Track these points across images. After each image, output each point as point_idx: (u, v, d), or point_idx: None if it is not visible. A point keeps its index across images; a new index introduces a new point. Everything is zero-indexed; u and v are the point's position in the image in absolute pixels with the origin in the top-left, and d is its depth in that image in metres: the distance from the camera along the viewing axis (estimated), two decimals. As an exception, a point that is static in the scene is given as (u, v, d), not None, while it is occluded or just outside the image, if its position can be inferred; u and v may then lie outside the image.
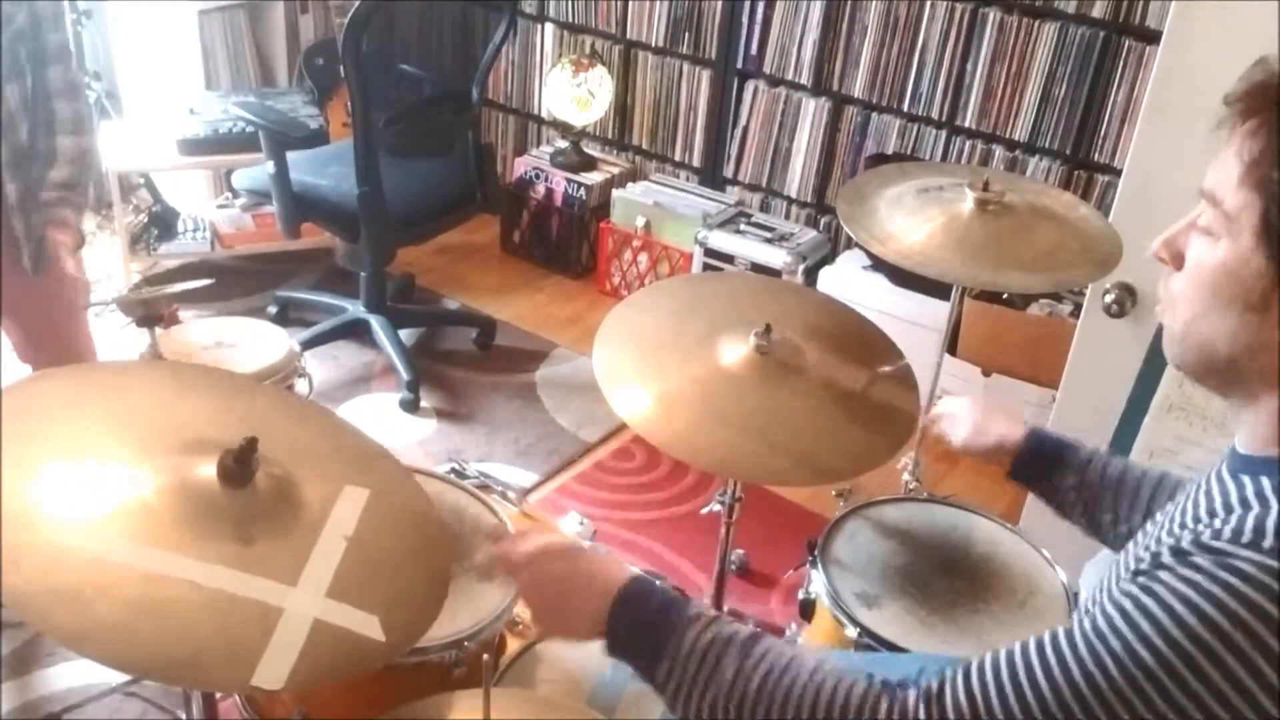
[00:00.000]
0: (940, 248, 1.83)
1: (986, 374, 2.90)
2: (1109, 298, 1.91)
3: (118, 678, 1.93)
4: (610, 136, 3.78)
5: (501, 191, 3.69)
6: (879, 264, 3.03)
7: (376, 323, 3.07)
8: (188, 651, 0.94)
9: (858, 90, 3.22)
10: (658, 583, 1.05)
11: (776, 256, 3.21)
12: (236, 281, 3.43)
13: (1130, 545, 0.99)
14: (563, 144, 3.71)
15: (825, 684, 0.93)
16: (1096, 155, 2.92)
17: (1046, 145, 2.98)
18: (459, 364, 3.19)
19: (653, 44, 3.56)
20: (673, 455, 1.56)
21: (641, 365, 1.56)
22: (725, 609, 2.08)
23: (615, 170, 3.69)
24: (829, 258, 3.30)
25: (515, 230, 3.78)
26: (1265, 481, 0.86)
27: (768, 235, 3.30)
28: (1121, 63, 2.81)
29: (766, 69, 3.36)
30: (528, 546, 1.11)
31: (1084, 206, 2.00)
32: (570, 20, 3.70)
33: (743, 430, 1.48)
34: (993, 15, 2.95)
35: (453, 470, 2.60)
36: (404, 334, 3.15)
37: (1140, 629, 0.81)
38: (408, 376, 2.94)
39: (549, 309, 3.53)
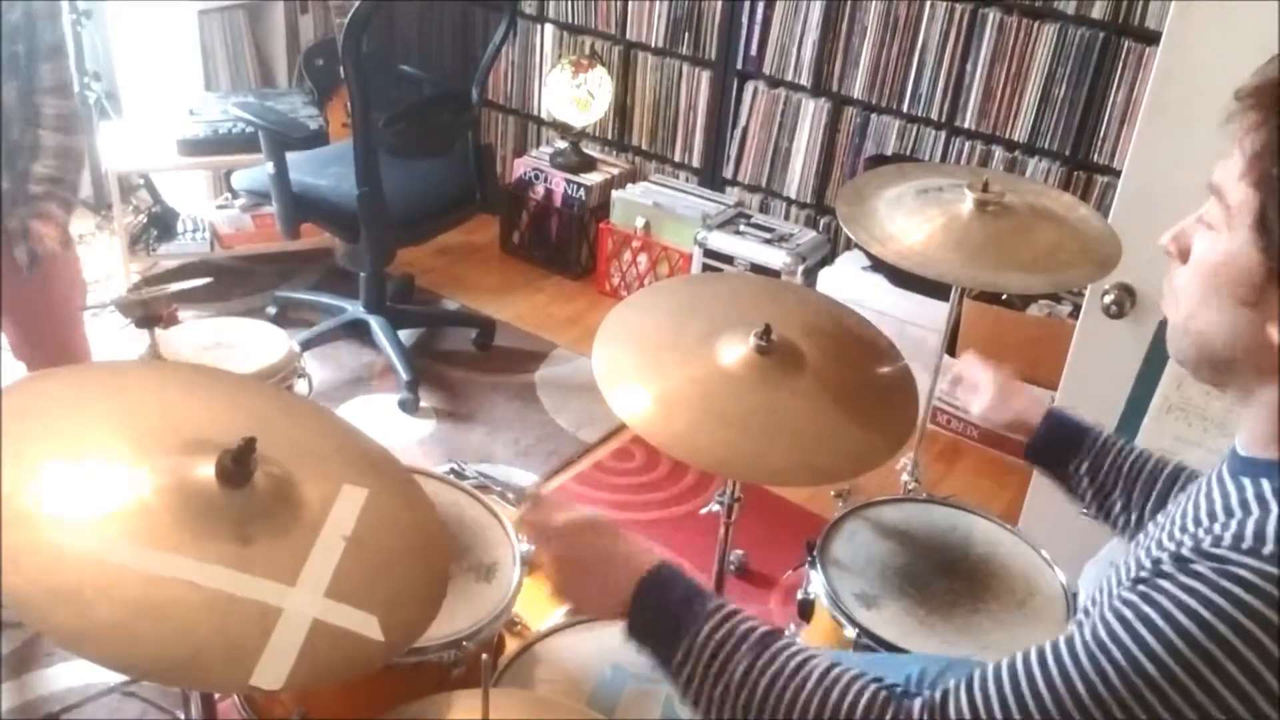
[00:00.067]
0: (940, 248, 1.83)
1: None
2: (1108, 298, 1.91)
3: (116, 678, 1.93)
4: (610, 137, 3.78)
5: (501, 192, 3.69)
6: (878, 265, 3.03)
7: (376, 323, 3.07)
8: (187, 652, 0.94)
9: (857, 91, 3.22)
10: (684, 572, 1.04)
11: (776, 257, 3.21)
12: (236, 282, 3.43)
13: (1132, 546, 0.99)
14: (562, 144, 3.71)
15: (834, 688, 0.93)
16: (1096, 156, 2.92)
17: (1046, 146, 2.98)
18: (458, 364, 3.19)
19: (652, 44, 3.56)
20: (672, 455, 1.56)
21: (641, 365, 1.56)
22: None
23: (615, 171, 3.69)
24: (828, 258, 3.30)
25: (515, 231, 3.78)
26: (1265, 484, 0.86)
27: (767, 236, 3.30)
28: (1121, 63, 2.82)
29: (766, 70, 3.36)
30: (563, 517, 1.10)
31: (1083, 207, 2.00)
32: (570, 21, 3.70)
33: (742, 430, 1.48)
34: (992, 16, 2.95)
35: (452, 471, 2.60)
36: (403, 334, 3.15)
37: (1142, 637, 0.81)
38: (407, 377, 2.94)
39: (549, 309, 3.53)
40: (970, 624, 1.57)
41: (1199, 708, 0.79)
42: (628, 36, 3.60)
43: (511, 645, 1.60)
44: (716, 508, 1.94)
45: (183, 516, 1.03)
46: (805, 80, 3.30)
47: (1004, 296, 2.85)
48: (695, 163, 3.63)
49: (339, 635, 1.02)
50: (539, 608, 2.06)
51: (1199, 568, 0.81)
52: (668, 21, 3.50)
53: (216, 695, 1.42)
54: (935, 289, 2.80)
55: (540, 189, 3.68)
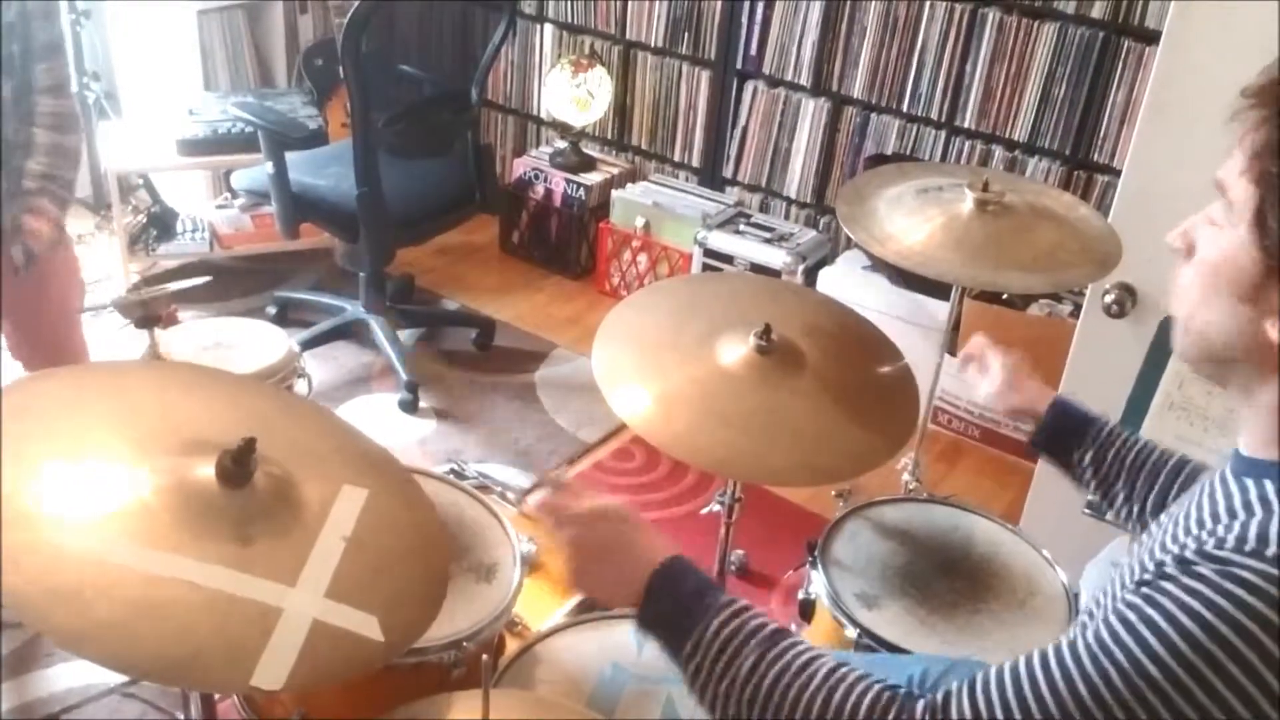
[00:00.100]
0: (940, 248, 1.83)
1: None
2: (1109, 298, 1.91)
3: (116, 678, 1.93)
4: (609, 137, 3.78)
5: (501, 192, 3.69)
6: (879, 264, 3.02)
7: (375, 323, 3.07)
8: (187, 652, 0.94)
9: (857, 91, 3.22)
10: (698, 566, 1.05)
11: (776, 257, 3.21)
12: (235, 282, 3.43)
13: (1135, 548, 0.99)
14: (562, 144, 3.70)
15: (838, 687, 0.93)
16: (1096, 155, 2.92)
17: (1046, 145, 2.98)
18: (458, 364, 3.19)
19: (652, 44, 3.56)
20: (672, 455, 1.56)
21: (641, 365, 1.56)
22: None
23: (614, 171, 3.68)
24: (829, 258, 3.30)
25: (514, 231, 3.77)
26: (1268, 485, 0.86)
27: (767, 235, 3.30)
28: (1121, 63, 2.81)
29: (766, 69, 3.36)
30: (583, 503, 1.10)
31: (1084, 207, 2.00)
32: (569, 21, 3.70)
33: (742, 430, 1.48)
34: (992, 15, 2.95)
35: (452, 471, 2.59)
36: (403, 334, 3.15)
37: (1144, 639, 0.81)
38: (407, 377, 2.94)
39: (548, 309, 3.53)
40: (971, 624, 1.57)
41: (1200, 709, 0.79)
42: (627, 36, 3.60)
43: (512, 646, 1.59)
44: (717, 508, 1.94)
45: (183, 517, 1.03)
46: (805, 80, 3.29)
47: (1004, 296, 2.85)
48: (695, 162, 3.63)
49: (339, 635, 1.02)
50: (539, 608, 2.06)
51: (1201, 569, 0.81)
52: (667, 21, 3.49)
53: (216, 696, 1.41)
54: (935, 289, 2.80)
55: (540, 189, 3.68)
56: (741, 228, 3.34)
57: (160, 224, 3.42)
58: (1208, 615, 0.79)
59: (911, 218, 1.89)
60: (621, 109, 3.70)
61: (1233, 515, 0.86)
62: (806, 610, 1.65)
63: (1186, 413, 1.81)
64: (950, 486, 2.80)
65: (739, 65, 3.41)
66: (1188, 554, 0.83)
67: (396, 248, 3.07)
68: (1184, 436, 1.83)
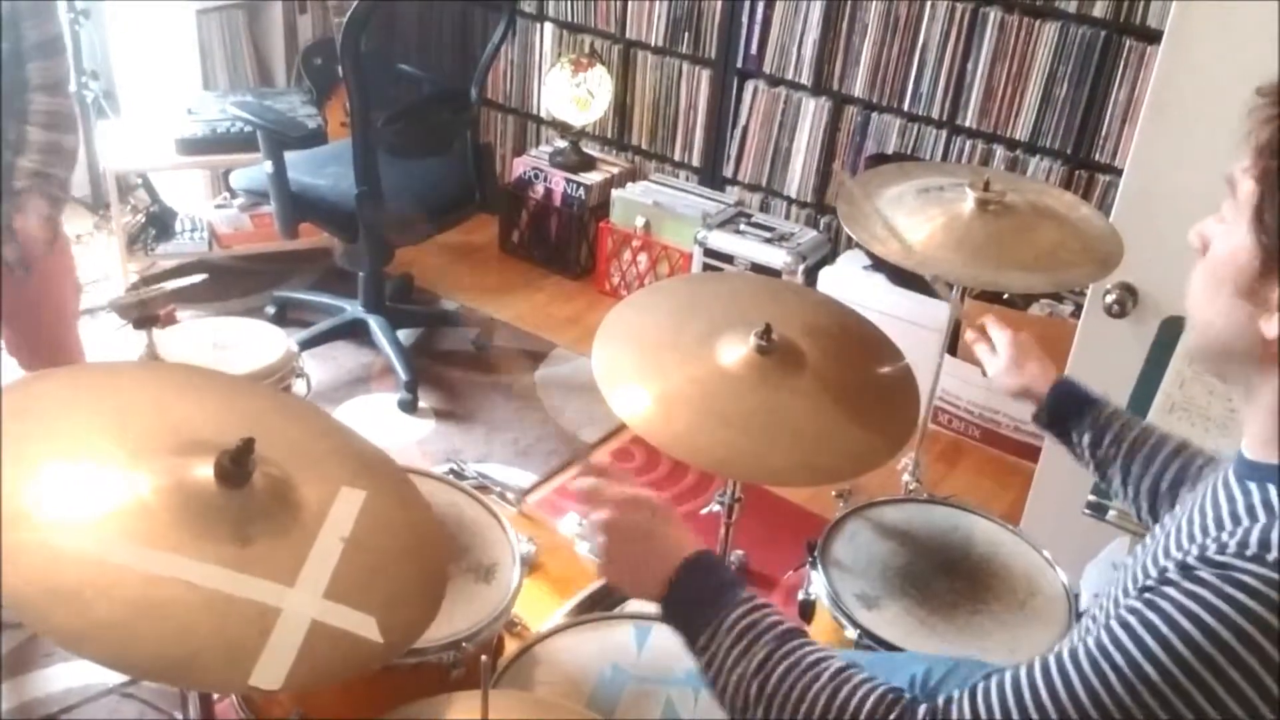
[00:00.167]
0: (941, 248, 1.82)
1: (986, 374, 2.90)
2: (1110, 298, 1.90)
3: (114, 679, 1.92)
4: (609, 136, 3.78)
5: (500, 191, 3.69)
6: (879, 264, 3.02)
7: (375, 323, 3.07)
8: (186, 652, 0.95)
9: (858, 90, 3.22)
10: (724, 563, 1.07)
11: (776, 256, 3.20)
12: (234, 282, 3.42)
13: (1138, 551, 0.99)
14: (562, 144, 3.70)
15: (843, 686, 0.94)
16: (1097, 155, 2.91)
17: (1047, 145, 2.98)
18: (458, 364, 3.19)
19: (652, 43, 3.56)
20: (672, 455, 1.56)
21: (641, 365, 1.56)
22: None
23: (614, 170, 3.68)
24: (829, 258, 3.30)
25: (514, 230, 3.77)
26: (1271, 489, 0.87)
27: (767, 235, 3.30)
28: (1122, 62, 2.81)
29: (766, 69, 3.35)
30: (620, 489, 1.12)
31: (1085, 206, 1.99)
32: (569, 20, 3.69)
33: (742, 430, 1.47)
34: (993, 15, 2.94)
35: (451, 471, 2.59)
36: (402, 334, 3.14)
37: (1144, 642, 0.81)
38: (406, 377, 2.94)
39: (548, 309, 3.52)
40: (971, 624, 1.57)
41: (1200, 712, 0.79)
42: (627, 35, 3.59)
43: (511, 646, 1.59)
44: (717, 508, 1.94)
45: (182, 517, 1.03)
46: (806, 79, 3.29)
47: (1005, 296, 2.84)
48: (695, 162, 3.62)
49: (337, 636, 1.02)
50: (538, 609, 2.06)
51: (1203, 574, 0.81)
52: (668, 20, 3.49)
53: (215, 696, 1.41)
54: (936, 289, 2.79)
55: (540, 188, 3.68)
56: (742, 227, 3.34)
57: (159, 223, 3.42)
58: (1208, 619, 0.79)
59: (912, 217, 1.88)
60: (621, 108, 3.70)
61: (1236, 521, 0.86)
62: (806, 611, 1.65)
63: (1188, 413, 1.80)
64: (950, 487, 2.80)
65: (739, 64, 3.40)
66: (1190, 559, 0.83)
67: (395, 247, 3.06)
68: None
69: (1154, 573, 0.86)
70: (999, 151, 3.07)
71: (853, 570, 1.64)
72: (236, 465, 1.06)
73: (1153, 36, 2.71)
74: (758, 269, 3.20)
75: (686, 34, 3.47)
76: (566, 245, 3.67)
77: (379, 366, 3.11)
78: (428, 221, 3.02)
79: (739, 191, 3.55)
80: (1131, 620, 0.83)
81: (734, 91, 3.44)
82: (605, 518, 1.08)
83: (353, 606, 1.04)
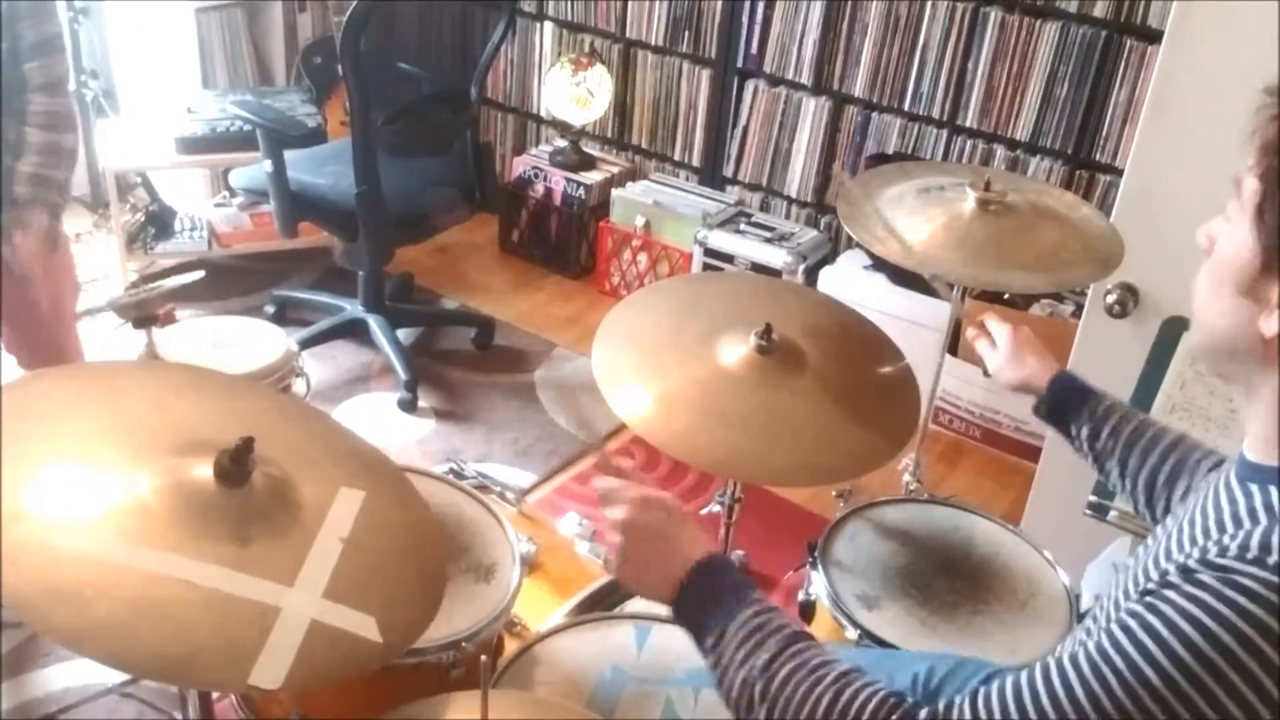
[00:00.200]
0: (941, 248, 1.82)
1: (987, 374, 2.90)
2: (1111, 298, 1.90)
3: (114, 678, 1.92)
4: (610, 136, 3.77)
5: (500, 191, 3.68)
6: (879, 264, 3.02)
7: (375, 322, 3.06)
8: (186, 651, 0.95)
9: (858, 90, 3.21)
10: (737, 567, 1.08)
11: (777, 256, 3.20)
12: (234, 281, 3.42)
13: (1140, 552, 0.99)
14: (562, 143, 3.70)
15: (846, 689, 0.94)
16: (1098, 155, 2.91)
17: (1048, 145, 2.98)
18: (457, 364, 3.18)
19: (652, 43, 3.55)
20: (672, 455, 1.55)
21: (641, 365, 1.55)
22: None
23: (615, 169, 3.68)
24: (829, 257, 3.29)
25: (514, 229, 3.77)
26: (1273, 491, 0.87)
27: (768, 235, 3.30)
28: (1123, 62, 2.81)
29: (767, 68, 3.35)
30: (638, 491, 1.12)
31: (1085, 206, 1.99)
32: (569, 19, 3.69)
33: (742, 430, 1.47)
34: (994, 14, 2.94)
35: (451, 470, 2.59)
36: (402, 333, 3.14)
37: (1145, 646, 0.81)
38: (406, 376, 2.94)
39: (548, 309, 3.52)
40: (972, 625, 1.56)
41: (1200, 716, 0.79)
42: (628, 35, 3.59)
43: (511, 646, 1.59)
44: (717, 508, 1.93)
45: (181, 516, 1.03)
46: (806, 79, 3.29)
47: (1006, 296, 2.84)
48: (695, 161, 3.62)
49: (337, 636, 1.01)
50: (538, 608, 2.06)
51: (1204, 577, 0.81)
52: (668, 20, 3.49)
53: (214, 695, 1.41)
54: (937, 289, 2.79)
55: (540, 188, 3.67)
56: (742, 227, 3.34)
57: (158, 222, 3.41)
58: (1209, 623, 0.79)
59: (913, 217, 1.88)
60: (622, 108, 3.70)
61: (1237, 523, 0.86)
62: (807, 611, 1.65)
63: (1189, 414, 1.80)
64: (951, 487, 2.79)
65: (740, 64, 3.40)
66: (1190, 562, 0.83)
67: (395, 246, 3.06)
68: (1186, 437, 1.82)
69: (1155, 575, 0.86)
70: (1000, 151, 3.06)
71: (853, 570, 1.64)
72: (236, 465, 1.06)
73: (1153, 36, 2.70)
74: (758, 269, 3.20)
75: (687, 33, 3.47)
76: (566, 245, 3.67)
77: (379, 366, 3.11)
78: (428, 221, 3.02)
79: (739, 191, 3.54)
80: (1132, 624, 0.83)
81: (734, 91, 3.44)
82: (623, 517, 1.09)
83: (352, 606, 1.04)
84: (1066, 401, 1.44)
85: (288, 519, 1.09)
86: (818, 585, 1.62)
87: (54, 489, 1.01)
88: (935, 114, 3.11)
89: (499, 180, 3.80)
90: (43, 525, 0.97)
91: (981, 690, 0.90)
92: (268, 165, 2.79)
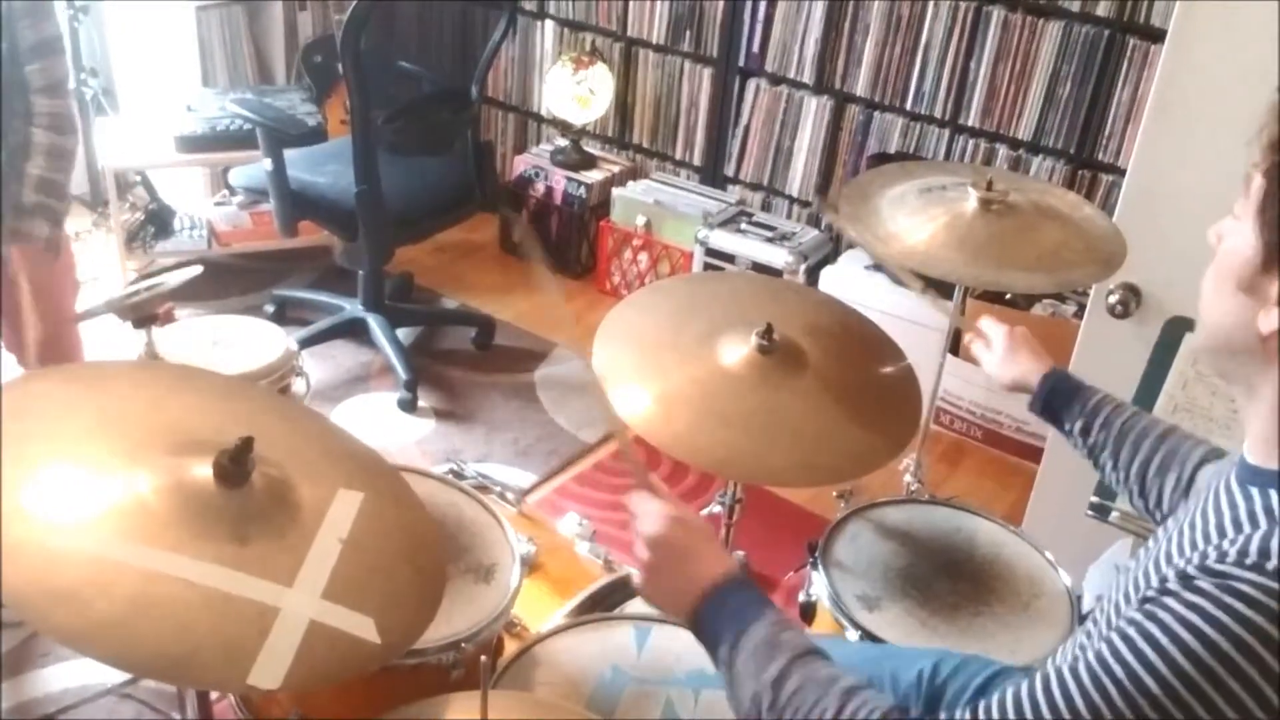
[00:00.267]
0: (943, 247, 1.81)
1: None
2: (1113, 298, 1.90)
3: (113, 679, 1.92)
4: (610, 135, 3.77)
5: (501, 190, 3.68)
6: (881, 264, 3.01)
7: (374, 322, 3.06)
8: (185, 650, 0.94)
9: (860, 89, 3.21)
10: (757, 585, 1.10)
11: (778, 256, 3.19)
12: (233, 280, 3.42)
13: (1141, 554, 0.99)
14: (563, 142, 3.69)
15: (850, 700, 0.95)
16: (1101, 155, 2.91)
17: (1050, 144, 2.97)
18: (457, 363, 3.18)
19: (654, 42, 3.55)
20: (673, 455, 1.55)
21: (641, 365, 1.55)
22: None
23: (615, 169, 3.67)
24: (830, 257, 3.29)
25: (515, 229, 3.76)
26: (1273, 494, 0.86)
27: (769, 234, 3.29)
28: (1126, 62, 2.80)
29: (768, 67, 3.35)
30: (668, 507, 1.13)
31: (1088, 206, 1.98)
32: (570, 18, 3.69)
33: (743, 430, 1.47)
34: (996, 13, 2.94)
35: (451, 471, 2.58)
36: (402, 333, 3.13)
37: (1144, 654, 0.81)
38: (406, 376, 2.93)
39: (548, 308, 3.51)
40: (973, 626, 1.56)
41: None
42: (629, 33, 3.58)
43: (510, 647, 1.58)
44: (717, 509, 1.93)
45: (180, 516, 1.03)
46: (808, 78, 3.28)
47: (1008, 296, 2.84)
48: (696, 161, 3.62)
49: (336, 636, 1.01)
50: (538, 609, 2.05)
51: (1202, 584, 0.81)
52: (669, 18, 3.48)
53: (213, 695, 1.41)
54: (938, 288, 2.78)
55: (540, 187, 3.67)
56: (743, 227, 3.33)
57: (158, 221, 3.41)
58: (1208, 630, 0.79)
59: (914, 217, 1.87)
60: (623, 107, 3.69)
61: (1236, 527, 0.86)
62: (807, 612, 1.64)
63: (1190, 414, 1.79)
64: (952, 488, 2.79)
65: (741, 63, 3.40)
66: (1189, 569, 0.83)
67: (395, 246, 3.05)
68: (1188, 438, 1.81)
69: (1155, 580, 0.86)
70: (1002, 151, 3.06)
71: (854, 571, 1.64)
72: (235, 464, 1.06)
73: (1156, 36, 2.70)
74: (759, 268, 3.20)
75: (688, 32, 3.46)
76: (567, 244, 3.67)
77: (378, 365, 3.10)
78: (428, 220, 3.02)
79: (740, 190, 3.54)
80: (1131, 632, 0.83)
81: (735, 90, 3.43)
82: (653, 534, 1.10)
83: (351, 607, 1.03)
84: (1059, 397, 1.45)
85: (286, 519, 1.09)
86: (818, 586, 1.61)
87: (54, 488, 1.01)
88: (937, 113, 3.11)
89: (500, 179, 3.80)
90: (42, 524, 0.97)
91: (982, 703, 0.90)
92: (267, 164, 2.78)
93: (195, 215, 3.48)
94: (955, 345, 2.38)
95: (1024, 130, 2.99)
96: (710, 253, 3.28)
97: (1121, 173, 2.65)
